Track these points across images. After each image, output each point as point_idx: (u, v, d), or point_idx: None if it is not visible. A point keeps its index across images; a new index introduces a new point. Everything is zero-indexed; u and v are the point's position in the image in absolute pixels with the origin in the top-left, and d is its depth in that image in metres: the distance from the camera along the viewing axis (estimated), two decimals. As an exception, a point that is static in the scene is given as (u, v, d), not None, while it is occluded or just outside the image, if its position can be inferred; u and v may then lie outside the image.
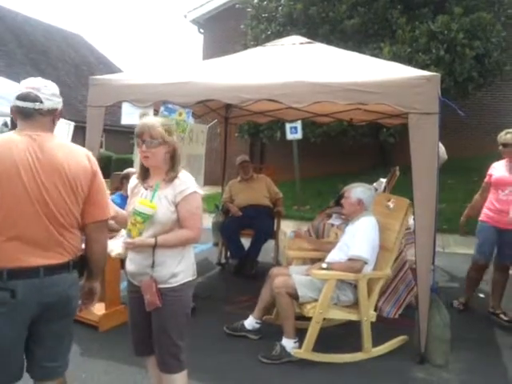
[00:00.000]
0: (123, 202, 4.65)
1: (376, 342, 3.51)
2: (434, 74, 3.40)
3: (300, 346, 3.37)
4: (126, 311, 3.92)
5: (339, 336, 3.77)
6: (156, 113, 4.14)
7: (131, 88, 4.09)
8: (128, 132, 21.56)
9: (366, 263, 3.40)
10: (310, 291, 3.39)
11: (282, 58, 4.37)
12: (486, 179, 4.42)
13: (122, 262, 4.08)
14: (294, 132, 9.06)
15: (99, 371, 3.19)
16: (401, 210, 3.64)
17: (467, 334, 3.89)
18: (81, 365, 3.27)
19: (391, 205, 3.80)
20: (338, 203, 5.50)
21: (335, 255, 3.63)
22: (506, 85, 11.38)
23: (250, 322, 3.75)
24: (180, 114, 4.09)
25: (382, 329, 3.67)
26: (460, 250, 7.03)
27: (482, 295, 4.77)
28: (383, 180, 5.47)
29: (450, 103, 3.45)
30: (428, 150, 3.32)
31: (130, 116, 4.03)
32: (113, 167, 15.56)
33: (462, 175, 10.65)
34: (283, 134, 9.69)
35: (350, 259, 3.43)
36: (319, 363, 3.36)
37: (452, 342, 3.43)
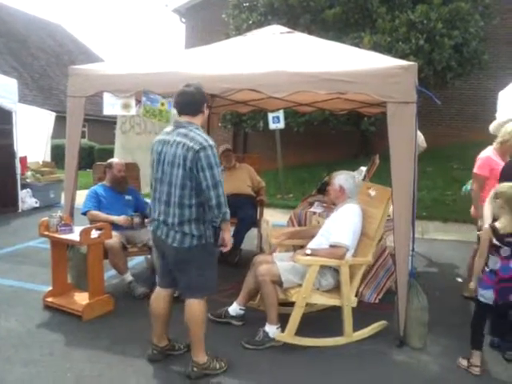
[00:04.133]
0: (106, 192, 4.71)
1: (357, 327, 3.58)
2: (412, 63, 3.45)
3: (283, 331, 3.43)
4: (110, 301, 4.00)
5: (321, 321, 3.84)
6: (138, 103, 4.14)
7: (112, 78, 4.08)
8: (111, 122, 21.34)
9: (347, 250, 3.47)
10: (293, 276, 3.45)
11: (262, 48, 4.39)
12: (485, 173, 4.12)
13: (106, 252, 4.12)
14: (276, 121, 9.13)
15: (83, 360, 3.21)
16: (383, 198, 3.70)
17: (445, 318, 3.99)
18: (65, 354, 3.29)
19: (372, 193, 3.88)
20: (320, 191, 5.58)
21: (318, 241, 3.71)
22: (484, 74, 11.52)
23: (234, 309, 3.79)
24: (162, 104, 4.09)
25: (363, 313, 3.74)
26: (439, 236, 7.19)
27: (459, 280, 4.89)
28: (363, 168, 5.54)
29: (426, 92, 3.51)
30: (406, 139, 3.39)
31: (111, 106, 4.02)
32: (96, 157, 15.43)
33: (441, 163, 10.84)
34: (266, 123, 9.75)
35: (331, 246, 3.51)
36: (302, 348, 3.42)
37: (430, 326, 3.53)
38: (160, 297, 3.12)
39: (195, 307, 2.99)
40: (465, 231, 6.89)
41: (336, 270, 3.50)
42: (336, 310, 3.60)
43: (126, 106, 4.05)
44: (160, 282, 3.14)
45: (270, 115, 8.93)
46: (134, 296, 4.26)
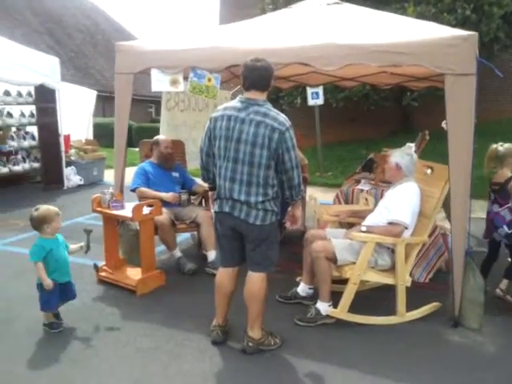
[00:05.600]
0: (154, 169, 4.73)
1: (408, 306, 3.52)
2: (472, 32, 3.28)
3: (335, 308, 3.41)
4: (162, 276, 4.06)
5: (372, 300, 3.80)
6: (185, 79, 4.10)
7: (159, 54, 4.05)
8: (146, 101, 21.49)
9: (406, 228, 3.40)
10: (349, 254, 3.40)
11: (309, 20, 4.28)
12: None
13: (156, 228, 4.16)
14: (315, 97, 8.95)
15: (140, 334, 3.27)
16: (441, 177, 3.56)
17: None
18: (121, 328, 3.36)
19: (429, 171, 3.79)
20: (364, 169, 5.48)
21: (374, 218, 3.63)
22: (533, 46, 10.97)
23: (303, 289, 3.77)
24: (209, 80, 4.05)
25: (414, 293, 3.66)
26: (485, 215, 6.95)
27: (509, 259, 4.73)
28: (411, 145, 5.38)
29: (487, 63, 3.35)
30: (464, 113, 3.27)
31: (160, 83, 4.00)
32: (134, 136, 15.57)
33: (486, 140, 10.41)
34: (303, 99, 9.59)
35: (390, 223, 3.44)
36: (354, 325, 3.40)
37: (486, 306, 3.43)
38: (229, 276, 3.08)
39: (259, 283, 2.98)
40: None
41: (393, 250, 3.43)
42: (388, 289, 3.56)
43: (175, 82, 4.03)
44: (228, 262, 3.08)
45: (309, 90, 8.77)
46: (183, 272, 4.31)
